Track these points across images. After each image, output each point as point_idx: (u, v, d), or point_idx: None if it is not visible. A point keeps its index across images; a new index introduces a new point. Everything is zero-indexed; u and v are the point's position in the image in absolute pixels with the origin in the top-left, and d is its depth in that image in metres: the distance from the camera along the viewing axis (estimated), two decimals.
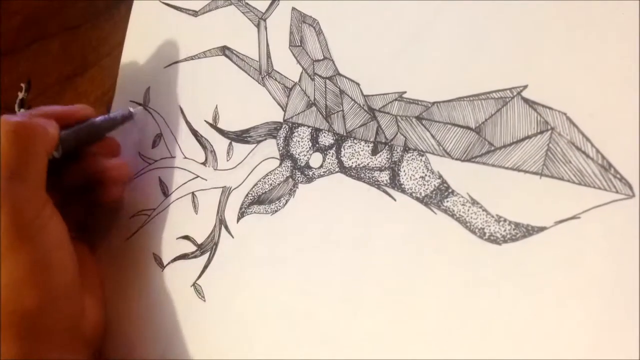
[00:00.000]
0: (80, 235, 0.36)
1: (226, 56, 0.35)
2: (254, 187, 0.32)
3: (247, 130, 0.33)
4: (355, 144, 0.29)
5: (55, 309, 0.30)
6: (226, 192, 0.33)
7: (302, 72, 0.32)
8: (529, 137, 0.24)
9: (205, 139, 0.35)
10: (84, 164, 0.35)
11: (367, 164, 0.28)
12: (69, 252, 0.31)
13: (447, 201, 0.25)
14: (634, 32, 0.22)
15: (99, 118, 0.36)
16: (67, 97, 0.46)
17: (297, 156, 0.31)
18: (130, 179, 0.38)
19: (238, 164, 0.33)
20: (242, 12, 0.35)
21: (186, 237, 0.34)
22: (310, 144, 0.30)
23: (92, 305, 0.34)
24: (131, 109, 0.38)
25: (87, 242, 0.37)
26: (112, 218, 0.39)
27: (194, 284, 0.33)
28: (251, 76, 0.34)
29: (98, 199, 0.36)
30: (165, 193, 0.37)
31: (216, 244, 0.33)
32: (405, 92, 0.28)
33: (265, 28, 0.34)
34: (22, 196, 0.28)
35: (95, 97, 0.43)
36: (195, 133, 0.36)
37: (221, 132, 0.35)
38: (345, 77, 0.30)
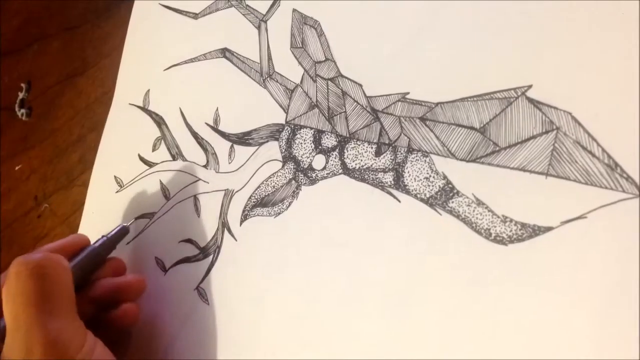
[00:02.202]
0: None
1: (227, 58, 0.35)
2: (256, 189, 0.32)
3: (248, 133, 0.33)
4: (359, 145, 0.29)
5: None
6: (229, 194, 0.33)
7: (303, 74, 0.32)
8: (534, 137, 0.24)
9: (206, 141, 0.35)
10: (92, 293, 0.33)
11: (371, 166, 0.28)
12: None
13: (452, 202, 0.25)
14: (637, 31, 0.22)
15: (97, 243, 0.34)
16: (67, 97, 0.46)
17: (299, 158, 0.31)
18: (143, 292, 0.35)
19: (240, 167, 0.33)
20: (243, 14, 0.35)
21: (188, 241, 0.34)
22: (313, 146, 0.30)
23: None
24: (125, 224, 0.36)
25: None
26: (113, 221, 0.38)
27: (197, 288, 0.33)
28: (252, 78, 0.34)
29: (115, 323, 0.34)
30: (167, 196, 0.36)
31: (219, 247, 0.33)
32: (408, 92, 0.28)
33: (266, 30, 0.34)
34: (64, 329, 0.27)
35: (96, 97, 0.43)
36: (196, 136, 0.36)
37: (222, 134, 0.34)
38: (348, 79, 0.30)
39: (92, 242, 0.34)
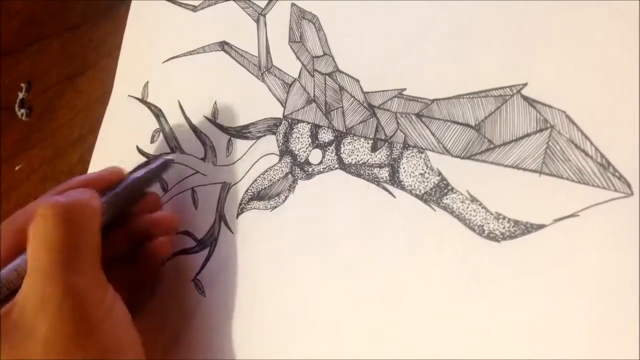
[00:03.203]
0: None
1: (225, 52, 0.35)
2: (253, 183, 0.32)
3: (246, 126, 0.33)
4: (355, 140, 0.29)
5: None
6: (226, 187, 0.33)
7: (301, 68, 0.32)
8: (528, 135, 0.24)
9: (204, 134, 0.35)
10: (128, 229, 0.33)
11: (367, 161, 0.28)
12: (135, 335, 0.28)
13: (447, 198, 0.25)
14: (634, 31, 0.22)
15: (138, 174, 0.32)
16: (67, 97, 0.46)
17: (296, 152, 0.31)
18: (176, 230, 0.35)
19: (238, 160, 0.33)
20: (242, 8, 0.35)
21: (186, 233, 0.34)
22: (310, 140, 0.30)
23: None
24: (167, 157, 0.34)
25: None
26: None
27: (194, 279, 0.33)
28: (250, 72, 0.34)
29: (149, 257, 0.33)
30: (165, 188, 0.37)
31: (216, 240, 0.33)
32: (405, 89, 0.28)
33: (265, 24, 0.34)
34: (84, 283, 0.26)
35: (96, 97, 0.43)
36: (194, 128, 0.36)
37: (220, 127, 0.35)
38: (345, 74, 0.30)
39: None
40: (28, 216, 0.28)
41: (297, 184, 0.30)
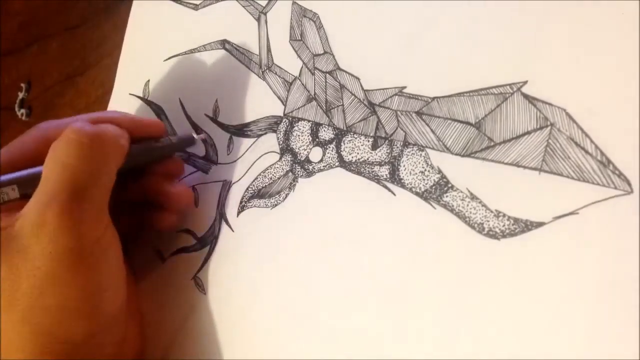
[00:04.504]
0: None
1: (226, 50, 0.35)
2: (254, 181, 0.32)
3: (247, 124, 0.33)
4: (355, 138, 0.29)
5: (102, 337, 0.28)
6: (226, 185, 0.33)
7: (302, 67, 0.32)
8: (528, 132, 0.24)
9: (205, 132, 0.35)
10: (144, 182, 0.33)
11: (367, 159, 0.28)
12: (124, 277, 0.29)
13: (447, 196, 0.25)
14: (634, 29, 0.22)
15: (173, 138, 0.33)
16: (67, 97, 0.46)
17: (297, 150, 0.31)
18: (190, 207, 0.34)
19: (238, 158, 0.33)
20: (243, 6, 0.35)
21: (187, 231, 0.34)
22: (311, 138, 0.31)
23: (134, 330, 0.32)
24: (195, 135, 0.35)
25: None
26: None
27: (195, 277, 0.33)
28: (251, 70, 0.34)
29: (151, 222, 0.33)
30: None
31: (216, 238, 0.33)
32: (405, 87, 0.28)
33: (266, 22, 0.34)
34: (86, 217, 0.26)
35: (96, 97, 0.43)
36: (195, 126, 0.36)
37: (221, 125, 0.35)
38: (346, 72, 0.30)
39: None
40: (57, 130, 0.28)
41: (297, 182, 0.30)
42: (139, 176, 0.32)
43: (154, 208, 0.33)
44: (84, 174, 0.26)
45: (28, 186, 0.27)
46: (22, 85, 0.42)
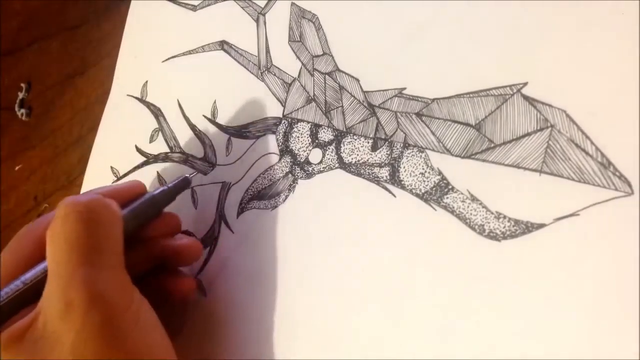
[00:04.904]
0: None
1: (225, 51, 0.35)
2: (253, 182, 0.32)
3: (246, 126, 0.33)
4: (355, 140, 0.29)
5: None
6: (226, 187, 0.33)
7: (301, 68, 0.32)
8: (528, 134, 0.24)
9: (203, 134, 0.35)
10: (147, 248, 0.31)
11: (367, 160, 0.28)
12: (165, 338, 0.27)
13: (447, 197, 0.25)
14: (634, 31, 0.22)
15: (157, 191, 0.31)
16: (67, 97, 0.46)
17: (296, 152, 0.31)
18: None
19: (237, 160, 0.33)
20: (241, 7, 0.35)
21: (186, 233, 0.34)
22: (310, 140, 0.30)
23: None
24: (188, 175, 0.33)
25: None
26: None
27: (195, 279, 0.33)
28: (250, 71, 0.34)
29: (172, 291, 0.31)
30: None
31: (216, 239, 0.33)
32: (405, 88, 0.28)
33: (265, 23, 0.34)
34: (107, 288, 0.24)
35: (96, 97, 0.43)
36: (193, 128, 0.36)
37: (220, 127, 0.35)
38: (345, 73, 0.30)
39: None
40: (45, 224, 0.26)
41: (297, 183, 0.30)
42: (142, 247, 0.30)
43: (170, 274, 0.31)
44: (93, 243, 0.25)
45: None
46: (22, 85, 0.42)
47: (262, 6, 0.34)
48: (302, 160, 0.30)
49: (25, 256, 0.27)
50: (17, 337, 0.23)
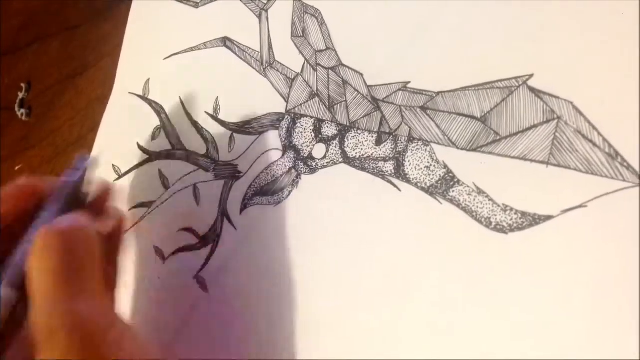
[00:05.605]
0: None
1: (227, 47, 0.35)
2: (256, 178, 0.32)
3: (248, 122, 0.33)
4: (359, 134, 0.29)
5: None
6: (228, 183, 0.33)
7: (304, 63, 0.31)
8: (535, 126, 0.24)
9: (206, 130, 0.35)
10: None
11: (371, 155, 0.28)
12: (154, 354, 0.27)
13: (453, 191, 0.25)
14: None
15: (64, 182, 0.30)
16: (67, 97, 0.46)
17: (300, 147, 0.31)
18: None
19: (240, 156, 0.33)
20: (244, 3, 0.35)
21: (188, 229, 0.34)
22: (313, 135, 0.30)
23: None
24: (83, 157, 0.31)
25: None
26: None
27: (197, 276, 0.33)
28: (253, 67, 0.34)
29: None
30: (166, 185, 0.36)
31: (219, 236, 0.33)
32: (409, 82, 0.28)
33: (267, 18, 0.34)
34: (89, 313, 0.25)
35: (96, 97, 0.43)
36: (195, 125, 0.36)
37: (222, 123, 0.34)
38: (348, 68, 0.30)
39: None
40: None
41: (300, 178, 0.30)
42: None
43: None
44: (70, 271, 0.25)
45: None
46: (22, 85, 0.42)
47: (265, 2, 0.34)
48: (305, 156, 0.30)
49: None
50: None
